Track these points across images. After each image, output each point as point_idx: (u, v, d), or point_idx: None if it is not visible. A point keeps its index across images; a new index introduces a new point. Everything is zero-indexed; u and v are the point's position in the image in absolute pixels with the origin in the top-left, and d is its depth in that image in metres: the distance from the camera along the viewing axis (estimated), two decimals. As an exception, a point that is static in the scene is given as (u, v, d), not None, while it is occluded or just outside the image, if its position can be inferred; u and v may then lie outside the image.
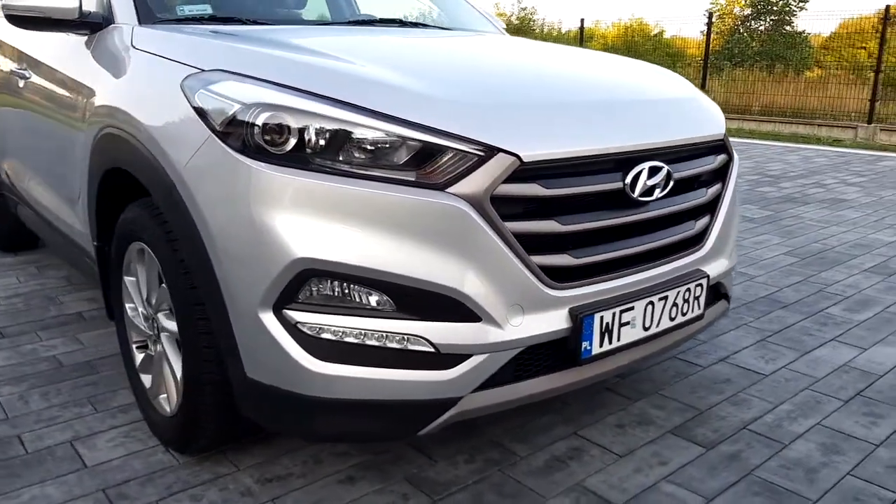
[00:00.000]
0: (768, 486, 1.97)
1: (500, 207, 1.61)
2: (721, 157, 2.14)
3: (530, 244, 1.67)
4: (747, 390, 2.53)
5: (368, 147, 1.60)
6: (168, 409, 2.04)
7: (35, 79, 2.85)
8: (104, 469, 2.01)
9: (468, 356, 1.64)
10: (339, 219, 1.56)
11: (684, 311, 2.00)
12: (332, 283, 1.59)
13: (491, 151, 1.60)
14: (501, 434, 2.21)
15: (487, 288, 1.62)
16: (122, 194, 2.13)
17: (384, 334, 1.60)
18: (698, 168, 2.03)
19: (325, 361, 1.60)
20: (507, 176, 1.61)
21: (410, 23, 2.82)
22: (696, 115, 2.12)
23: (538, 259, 1.68)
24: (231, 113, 1.64)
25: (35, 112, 2.88)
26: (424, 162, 1.59)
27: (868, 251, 4.38)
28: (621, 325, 1.82)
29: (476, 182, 1.59)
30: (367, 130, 1.59)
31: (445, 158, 1.59)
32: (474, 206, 1.58)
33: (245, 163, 1.60)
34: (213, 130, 1.66)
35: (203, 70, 1.79)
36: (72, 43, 2.51)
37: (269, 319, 1.61)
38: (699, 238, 2.09)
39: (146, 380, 2.17)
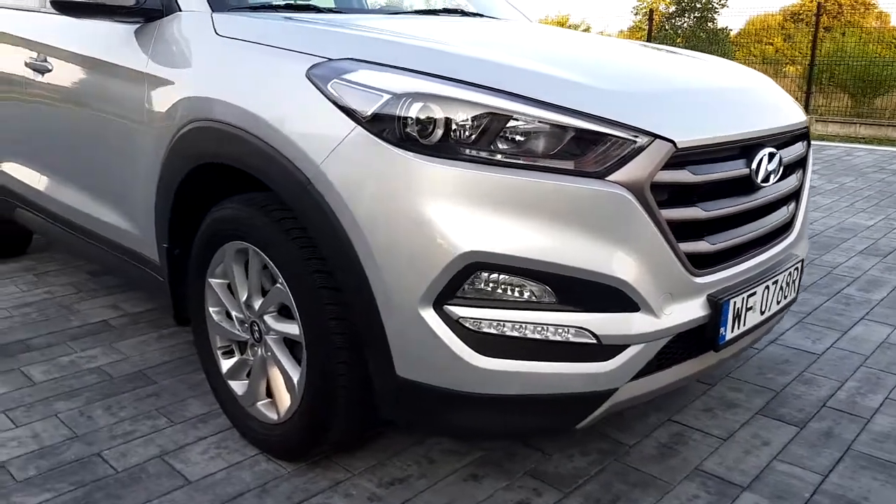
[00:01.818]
0: (872, 459, 2.04)
1: (655, 194, 1.61)
2: (805, 144, 2.20)
3: (676, 231, 1.67)
4: (809, 369, 2.61)
5: (524, 136, 1.56)
6: (275, 416, 1.94)
7: (61, 71, 2.65)
8: (210, 483, 1.89)
9: (626, 346, 1.62)
10: (500, 210, 1.52)
11: (786, 294, 2.05)
12: (495, 275, 1.54)
13: (650, 138, 1.59)
14: (599, 424, 2.20)
15: (646, 276, 1.61)
16: (208, 192, 2.02)
17: (545, 327, 1.56)
18: (794, 154, 2.08)
19: (488, 357, 1.56)
20: (665, 163, 1.60)
21: (471, 13, 2.77)
22: (785, 103, 2.17)
23: (683, 246, 1.69)
24: (380, 103, 1.56)
25: (61, 107, 2.68)
26: (584, 149, 1.56)
27: (854, 234, 4.61)
28: (747, 309, 1.85)
29: (637, 169, 1.57)
30: (525, 118, 1.54)
31: (605, 146, 1.57)
32: (635, 193, 1.56)
33: (402, 155, 1.53)
34: (358, 122, 1.58)
35: (330, 59, 1.70)
36: (118, 32, 2.34)
37: (430, 316, 1.55)
38: (790, 223, 2.15)
39: (237, 387, 2.06)
